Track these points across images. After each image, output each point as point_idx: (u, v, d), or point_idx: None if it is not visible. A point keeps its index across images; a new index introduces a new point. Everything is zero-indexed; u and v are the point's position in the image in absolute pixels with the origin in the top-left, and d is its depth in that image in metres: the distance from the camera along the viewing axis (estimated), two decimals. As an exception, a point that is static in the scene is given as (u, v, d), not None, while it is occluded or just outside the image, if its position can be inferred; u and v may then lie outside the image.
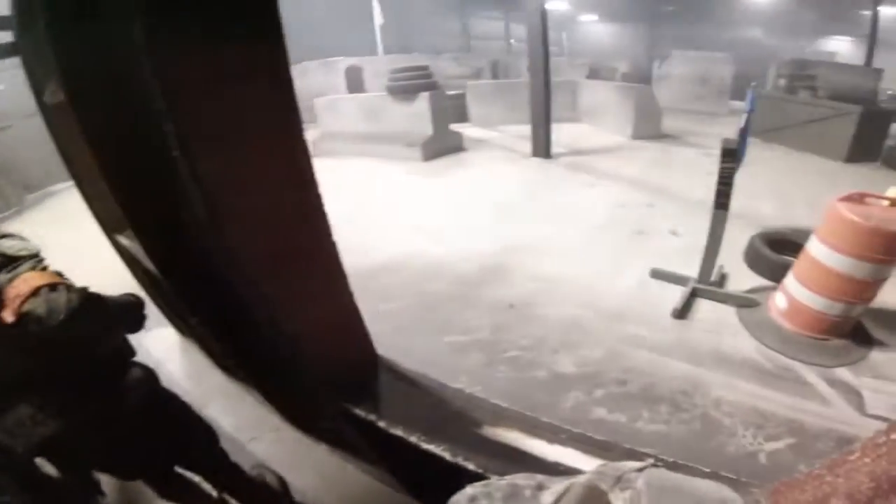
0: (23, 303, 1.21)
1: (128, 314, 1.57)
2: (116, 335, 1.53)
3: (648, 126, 8.80)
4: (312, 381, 1.46)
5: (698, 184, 5.62)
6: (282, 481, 2.29)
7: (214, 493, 2.09)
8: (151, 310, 1.76)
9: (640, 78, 12.24)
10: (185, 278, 1.64)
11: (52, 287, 1.25)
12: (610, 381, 2.73)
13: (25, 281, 1.25)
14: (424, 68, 8.18)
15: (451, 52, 16.24)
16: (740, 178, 3.19)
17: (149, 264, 1.74)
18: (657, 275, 3.82)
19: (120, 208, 1.49)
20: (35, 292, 1.22)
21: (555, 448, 1.18)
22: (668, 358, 2.91)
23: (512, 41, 21.42)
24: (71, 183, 2.09)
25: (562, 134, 8.04)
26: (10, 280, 1.26)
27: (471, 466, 1.14)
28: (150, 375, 1.63)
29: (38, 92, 2.04)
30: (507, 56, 17.09)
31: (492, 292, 3.78)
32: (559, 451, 1.18)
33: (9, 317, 1.20)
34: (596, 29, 24.16)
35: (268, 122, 1.11)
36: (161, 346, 3.15)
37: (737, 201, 3.28)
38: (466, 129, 9.28)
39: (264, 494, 2.13)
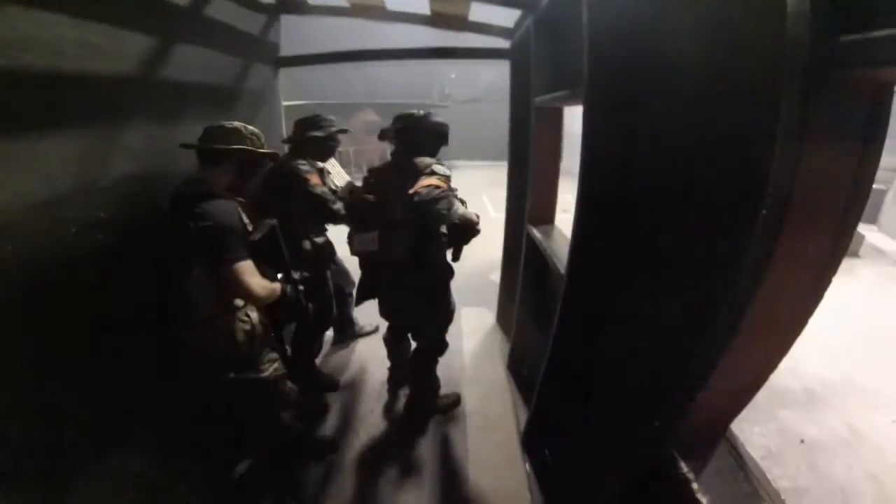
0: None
1: None
2: None
3: None
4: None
5: None
6: None
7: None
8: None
9: None
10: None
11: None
12: None
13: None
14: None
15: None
16: None
17: (558, 264, 2.16)
18: None
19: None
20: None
21: None
22: None
23: None
24: (471, 163, 2.69)
25: None
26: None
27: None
28: None
29: (523, 91, 2.79)
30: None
31: (793, 416, 3.35)
32: None
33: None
34: None
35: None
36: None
37: None
38: (870, 234, 7.67)
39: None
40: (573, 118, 2.44)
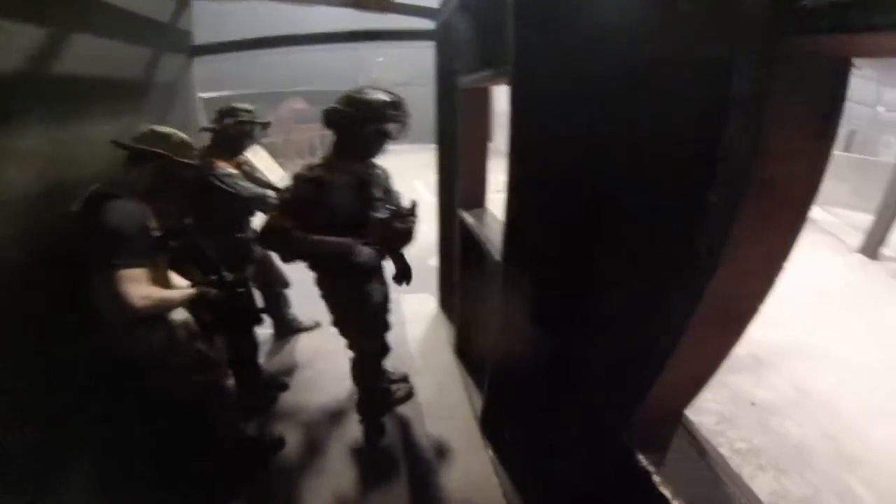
0: None
1: None
2: None
3: None
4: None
5: None
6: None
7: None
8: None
9: None
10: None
11: None
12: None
13: None
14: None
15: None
16: None
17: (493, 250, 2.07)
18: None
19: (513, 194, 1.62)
20: None
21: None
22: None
23: (881, 109, 17.49)
24: (402, 147, 2.49)
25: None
26: None
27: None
28: None
29: (448, 72, 2.74)
30: (870, 128, 14.27)
31: (742, 381, 3.43)
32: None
33: None
34: None
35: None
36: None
37: None
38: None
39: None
40: (500, 96, 2.41)
